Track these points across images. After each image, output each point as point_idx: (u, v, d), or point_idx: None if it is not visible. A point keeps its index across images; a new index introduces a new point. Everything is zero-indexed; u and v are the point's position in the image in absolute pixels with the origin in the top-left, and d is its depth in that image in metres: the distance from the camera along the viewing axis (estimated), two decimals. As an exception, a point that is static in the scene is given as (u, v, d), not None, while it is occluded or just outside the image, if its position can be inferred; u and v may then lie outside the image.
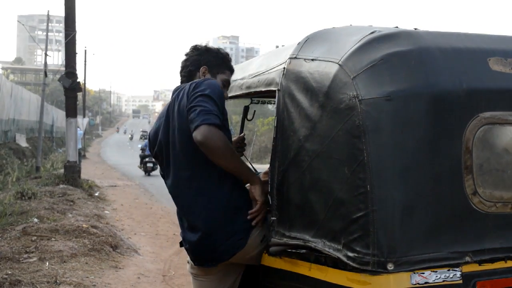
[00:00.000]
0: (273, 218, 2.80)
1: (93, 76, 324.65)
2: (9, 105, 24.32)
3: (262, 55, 3.41)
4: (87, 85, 55.82)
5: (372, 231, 2.29)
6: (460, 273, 2.34)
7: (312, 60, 2.65)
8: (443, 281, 2.31)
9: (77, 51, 16.26)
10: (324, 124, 2.50)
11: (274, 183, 2.80)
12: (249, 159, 3.56)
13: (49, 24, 28.39)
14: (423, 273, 2.30)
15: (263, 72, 3.06)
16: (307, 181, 2.59)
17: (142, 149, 24.69)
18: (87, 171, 24.01)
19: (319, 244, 2.50)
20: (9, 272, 6.36)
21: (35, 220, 9.00)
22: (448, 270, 2.33)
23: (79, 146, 19.76)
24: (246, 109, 3.90)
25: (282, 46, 3.32)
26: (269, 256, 2.85)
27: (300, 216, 2.64)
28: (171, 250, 9.07)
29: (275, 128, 2.81)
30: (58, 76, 16.85)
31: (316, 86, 2.56)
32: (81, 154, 24.07)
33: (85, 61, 51.15)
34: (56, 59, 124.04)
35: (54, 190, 12.80)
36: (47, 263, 6.87)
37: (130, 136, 71.19)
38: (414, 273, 2.29)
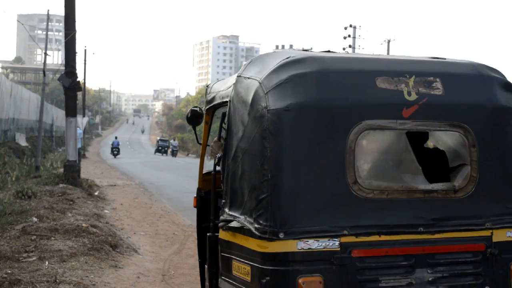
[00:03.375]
0: (223, 200, 3.65)
1: (93, 76, 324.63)
2: (9, 105, 24.30)
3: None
4: (87, 85, 55.84)
5: (270, 209, 3.09)
6: (338, 242, 3.11)
7: (248, 78, 3.45)
8: (324, 248, 3.08)
9: (77, 51, 16.25)
10: (249, 128, 3.29)
11: (223, 174, 3.66)
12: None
13: (49, 23, 28.39)
14: (308, 241, 3.08)
15: (229, 87, 3.80)
16: (240, 172, 3.40)
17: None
18: (87, 171, 23.99)
19: (242, 219, 3.32)
20: (9, 271, 6.36)
21: (35, 219, 9.00)
22: (329, 240, 3.10)
23: (79, 145, 19.74)
24: (223, 115, 4.23)
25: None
26: (222, 231, 3.66)
27: (235, 198, 3.46)
28: (170, 249, 9.07)
29: (226, 131, 3.66)
30: (58, 76, 16.84)
31: (246, 99, 3.36)
32: (81, 154, 24.06)
33: (85, 60, 51.17)
34: (56, 58, 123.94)
35: (54, 189, 12.79)
36: (47, 262, 6.87)
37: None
38: (300, 240, 3.07)
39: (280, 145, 3.12)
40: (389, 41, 49.84)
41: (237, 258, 3.44)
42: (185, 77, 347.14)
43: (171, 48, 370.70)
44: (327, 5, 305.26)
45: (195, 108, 4.49)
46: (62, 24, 50.29)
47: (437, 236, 3.26)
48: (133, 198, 15.91)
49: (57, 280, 6.20)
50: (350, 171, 3.15)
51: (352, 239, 3.13)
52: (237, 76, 3.62)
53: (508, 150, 3.45)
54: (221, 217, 3.61)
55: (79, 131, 20.34)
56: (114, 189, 18.06)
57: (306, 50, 3.63)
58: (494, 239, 3.36)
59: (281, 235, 3.07)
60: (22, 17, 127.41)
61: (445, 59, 3.76)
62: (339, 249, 3.11)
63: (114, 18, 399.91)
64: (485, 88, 3.46)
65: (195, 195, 4.71)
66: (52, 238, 7.88)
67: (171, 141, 54.40)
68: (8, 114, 24.22)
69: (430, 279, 3.23)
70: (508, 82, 3.58)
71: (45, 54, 24.72)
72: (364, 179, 3.21)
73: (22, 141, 26.56)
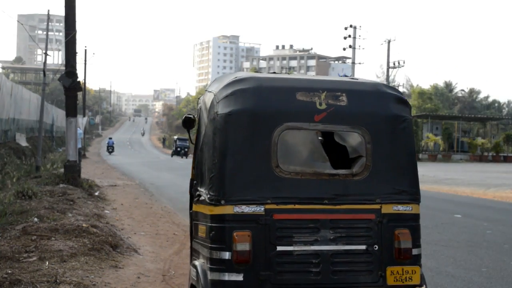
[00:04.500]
0: (195, 182, 5.08)
1: (93, 76, 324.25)
2: (9, 105, 24.29)
3: None
4: (87, 85, 55.80)
5: (216, 184, 4.29)
6: (263, 208, 4.25)
7: (209, 92, 4.76)
8: (253, 212, 4.23)
9: (77, 51, 16.26)
10: (208, 127, 4.58)
11: (195, 161, 5.13)
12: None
13: (49, 23, 28.39)
14: (241, 207, 4.23)
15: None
16: (203, 159, 4.72)
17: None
18: (87, 171, 24.01)
19: (203, 192, 4.56)
20: (9, 272, 6.36)
21: (35, 219, 9.00)
22: (256, 206, 4.25)
23: (79, 145, 19.75)
24: None
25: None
26: (194, 205, 5.00)
27: (201, 178, 4.74)
28: (171, 249, 9.07)
29: (198, 131, 5.10)
30: (58, 76, 16.83)
31: (207, 106, 4.68)
32: (81, 154, 24.05)
33: (85, 60, 51.20)
34: (56, 58, 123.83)
35: (54, 189, 12.79)
36: (47, 263, 6.87)
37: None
38: (236, 206, 4.23)
39: (224, 139, 4.34)
40: (389, 41, 49.87)
41: (200, 222, 4.71)
42: (185, 77, 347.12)
43: (171, 48, 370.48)
44: (327, 5, 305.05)
45: (189, 115, 5.50)
46: (62, 24, 50.09)
47: (338, 207, 4.40)
48: (134, 198, 15.91)
49: (58, 280, 6.20)
50: (273, 158, 4.34)
51: (274, 206, 4.29)
52: (206, 91, 4.94)
53: (397, 146, 4.60)
54: (194, 194, 5.02)
55: (80, 131, 20.36)
56: (115, 189, 18.07)
57: (274, 72, 4.95)
58: (383, 211, 4.45)
59: (223, 202, 4.25)
60: (22, 17, 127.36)
61: (357, 79, 5.03)
62: (263, 213, 4.27)
63: (114, 18, 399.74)
64: (382, 101, 4.63)
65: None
66: (53, 238, 7.88)
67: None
68: (9, 114, 24.22)
69: (331, 237, 4.34)
70: (401, 97, 4.73)
71: (46, 54, 24.72)
72: (284, 164, 4.37)
73: (23, 141, 26.56)
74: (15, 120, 26.06)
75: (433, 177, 25.06)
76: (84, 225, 8.66)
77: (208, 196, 4.36)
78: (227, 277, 4.21)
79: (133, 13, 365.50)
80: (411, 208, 4.58)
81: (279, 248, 4.25)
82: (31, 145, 26.85)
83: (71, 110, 15.50)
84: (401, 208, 4.52)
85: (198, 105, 5.29)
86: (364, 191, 4.45)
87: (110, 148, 46.40)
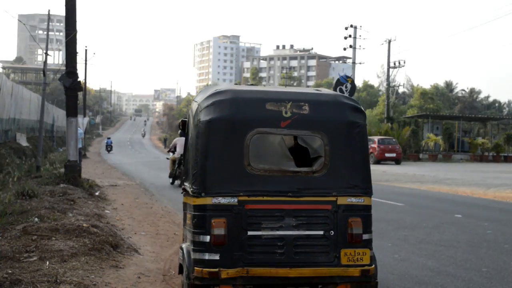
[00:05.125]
0: (184, 177, 6.05)
1: (93, 75, 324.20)
2: (10, 105, 24.30)
3: None
4: (87, 85, 55.84)
5: (198, 179, 5.14)
6: (237, 199, 5.04)
7: (195, 101, 5.61)
8: (228, 202, 5.04)
9: (77, 50, 16.25)
10: (192, 131, 5.45)
11: (184, 160, 6.10)
12: None
13: (50, 23, 28.40)
14: (218, 198, 5.04)
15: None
16: (188, 157, 5.65)
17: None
18: (88, 171, 24.01)
19: (187, 186, 5.48)
20: (10, 272, 6.36)
21: (36, 219, 9.00)
22: (231, 198, 5.04)
23: (80, 145, 19.74)
24: None
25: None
26: (183, 197, 5.92)
27: (188, 175, 5.61)
28: (171, 249, 9.06)
29: (186, 134, 6.06)
30: (58, 76, 16.82)
31: (193, 113, 5.57)
32: (82, 154, 24.05)
33: (85, 60, 51.22)
34: (57, 58, 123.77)
35: (55, 189, 12.79)
36: (48, 263, 6.87)
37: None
38: (214, 197, 5.04)
39: (205, 142, 5.17)
40: (389, 41, 49.83)
41: (187, 212, 5.55)
42: (186, 77, 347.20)
43: (171, 48, 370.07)
44: (328, 5, 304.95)
45: (185, 119, 6.21)
46: (62, 24, 50.24)
47: (300, 199, 5.18)
48: (134, 198, 15.91)
49: (58, 280, 6.20)
50: (246, 158, 5.13)
51: (246, 198, 5.08)
52: (192, 100, 5.94)
53: (352, 148, 5.36)
54: (182, 187, 5.96)
55: (80, 131, 20.34)
56: (115, 189, 18.07)
57: (252, 84, 5.92)
58: (338, 203, 5.22)
59: (203, 194, 5.09)
60: (23, 17, 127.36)
61: (320, 90, 5.77)
62: (237, 203, 5.07)
63: (115, 18, 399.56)
64: (339, 110, 5.42)
65: None
66: (53, 238, 7.88)
67: None
68: (9, 114, 24.22)
69: (294, 224, 5.13)
70: (356, 106, 5.50)
71: (46, 54, 24.71)
72: (254, 163, 5.16)
73: (23, 141, 26.56)
74: (15, 120, 26.06)
75: (433, 177, 25.07)
76: (84, 225, 8.66)
77: (192, 189, 5.22)
78: (207, 256, 5.05)
79: (134, 13, 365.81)
80: (363, 200, 5.32)
81: (249, 232, 5.07)
82: (32, 145, 26.85)
83: (72, 110, 15.50)
84: (354, 200, 5.28)
85: (188, 112, 6.19)
86: (323, 186, 5.24)
87: (109, 147, 51.51)
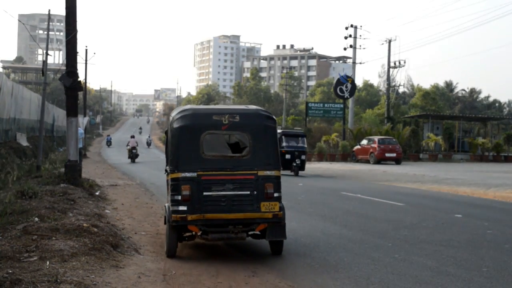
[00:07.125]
0: (166, 164, 9.19)
1: (94, 75, 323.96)
2: (10, 104, 24.30)
3: None
4: (88, 84, 55.82)
5: (173, 163, 8.37)
6: (196, 174, 8.17)
7: (171, 115, 8.88)
8: (191, 176, 8.18)
9: (78, 50, 16.24)
10: (169, 134, 8.73)
11: (166, 152, 9.35)
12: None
13: (50, 23, 28.39)
14: (185, 173, 8.19)
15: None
16: (168, 150, 8.85)
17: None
18: (88, 170, 24.01)
19: (168, 167, 8.71)
20: (10, 271, 6.36)
21: (36, 219, 9.01)
22: (193, 173, 8.17)
23: (80, 145, 19.73)
24: None
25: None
26: (166, 176, 8.93)
27: (167, 160, 8.94)
28: (171, 249, 9.05)
29: (166, 137, 9.20)
30: (58, 75, 16.81)
31: (170, 123, 8.73)
32: (82, 154, 24.05)
33: (86, 60, 51.12)
34: (57, 58, 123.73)
35: (55, 189, 12.79)
36: (48, 262, 6.87)
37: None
38: (182, 173, 8.20)
39: (176, 140, 8.38)
40: (390, 41, 49.83)
41: (168, 183, 8.63)
42: (186, 77, 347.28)
43: (172, 48, 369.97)
44: (328, 5, 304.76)
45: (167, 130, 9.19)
46: (63, 24, 50.19)
47: (235, 172, 8.23)
48: (134, 198, 15.92)
49: (58, 280, 6.21)
50: (201, 148, 8.26)
51: (201, 172, 8.16)
52: (170, 115, 9.07)
53: (266, 142, 8.47)
54: (166, 169, 8.89)
55: (80, 131, 20.32)
56: (115, 189, 18.07)
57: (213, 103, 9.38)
58: (259, 174, 8.25)
59: (176, 171, 8.23)
60: (23, 17, 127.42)
61: (248, 107, 9.09)
62: (196, 176, 8.15)
63: (115, 18, 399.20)
64: (258, 118, 8.58)
65: None
66: (53, 238, 7.89)
67: None
68: (9, 114, 24.23)
69: (231, 187, 8.15)
70: (269, 116, 8.69)
71: (46, 54, 24.68)
72: (207, 152, 8.30)
73: (23, 141, 26.57)
74: (15, 119, 26.06)
75: (433, 177, 25.04)
76: (84, 224, 8.67)
77: (170, 168, 8.44)
78: (179, 208, 8.10)
79: (134, 13, 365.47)
80: (274, 172, 8.36)
81: (204, 193, 8.11)
82: (32, 145, 26.86)
83: (72, 110, 15.49)
84: (268, 173, 8.31)
85: (169, 121, 9.01)
86: (249, 164, 8.30)
87: (109, 143, 60.17)
